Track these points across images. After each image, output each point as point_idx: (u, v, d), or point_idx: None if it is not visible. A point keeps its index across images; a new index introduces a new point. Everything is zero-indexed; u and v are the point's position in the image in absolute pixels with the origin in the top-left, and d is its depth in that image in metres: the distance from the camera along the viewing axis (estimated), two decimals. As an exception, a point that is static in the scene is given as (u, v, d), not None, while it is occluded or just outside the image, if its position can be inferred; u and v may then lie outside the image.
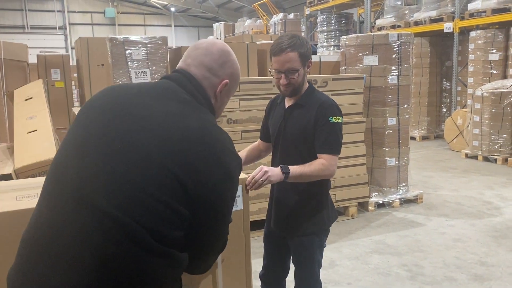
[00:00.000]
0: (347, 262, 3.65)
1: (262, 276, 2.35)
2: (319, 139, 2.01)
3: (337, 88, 4.49)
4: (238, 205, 1.81)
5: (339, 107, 2.10)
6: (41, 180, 1.97)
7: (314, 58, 5.77)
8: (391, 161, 5.05)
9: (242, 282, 1.84)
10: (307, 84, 2.13)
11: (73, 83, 8.68)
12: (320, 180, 2.10)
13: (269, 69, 2.09)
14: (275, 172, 1.91)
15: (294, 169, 1.94)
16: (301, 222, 2.13)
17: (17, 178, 2.81)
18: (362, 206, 4.95)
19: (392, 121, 5.01)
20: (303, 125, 2.06)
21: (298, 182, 2.03)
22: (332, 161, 2.01)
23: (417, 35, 8.38)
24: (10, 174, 3.13)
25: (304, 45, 2.01)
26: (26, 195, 1.57)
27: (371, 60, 4.95)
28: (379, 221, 4.61)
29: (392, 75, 4.95)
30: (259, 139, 2.41)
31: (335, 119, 2.03)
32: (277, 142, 2.19)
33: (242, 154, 2.27)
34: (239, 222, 1.81)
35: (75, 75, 8.75)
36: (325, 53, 10.23)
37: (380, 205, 4.99)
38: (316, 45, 12.67)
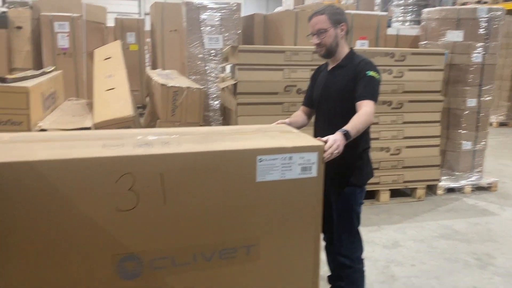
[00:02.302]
0: (411, 243, 3.54)
1: None
2: (359, 89, 2.14)
3: (416, 63, 4.25)
4: (312, 172, 1.78)
5: (377, 67, 2.21)
6: (126, 131, 2.06)
7: (391, 31, 5.50)
8: (467, 145, 4.76)
9: (311, 245, 1.83)
10: (348, 49, 2.27)
11: (145, 47, 8.94)
12: (363, 137, 2.18)
13: (307, 36, 2.28)
14: (339, 137, 1.90)
15: (351, 128, 1.97)
16: (343, 175, 2.24)
17: (98, 131, 2.93)
18: (431, 189, 4.74)
19: (472, 102, 4.69)
20: (344, 83, 2.20)
21: None
22: (373, 106, 2.11)
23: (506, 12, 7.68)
24: (90, 127, 3.31)
25: (335, 11, 2.21)
26: (113, 144, 1.63)
27: (455, 36, 4.61)
28: (447, 206, 4.40)
29: (476, 53, 4.60)
30: (301, 106, 2.52)
31: (372, 73, 2.14)
32: (321, 102, 2.33)
33: (287, 121, 2.32)
34: (312, 190, 1.79)
35: (148, 40, 9.00)
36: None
37: (450, 190, 4.76)
38: (390, 20, 12.06)
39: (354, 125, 1.99)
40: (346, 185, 2.25)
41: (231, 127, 2.79)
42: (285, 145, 1.74)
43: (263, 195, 1.72)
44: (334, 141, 1.84)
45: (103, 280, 1.57)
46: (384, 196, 4.40)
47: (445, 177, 4.78)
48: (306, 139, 1.88)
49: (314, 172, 1.78)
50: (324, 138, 1.85)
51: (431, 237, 3.66)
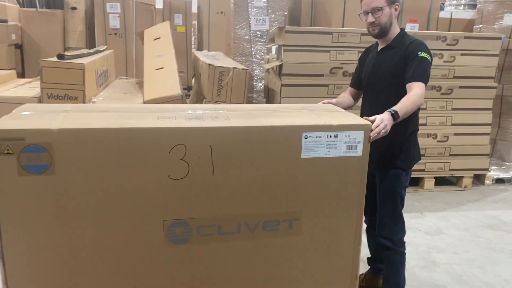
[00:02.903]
0: (455, 232, 3.47)
1: None
2: (409, 71, 2.11)
3: (469, 47, 4.10)
4: (358, 151, 1.79)
5: (428, 48, 2.17)
6: (178, 106, 2.15)
7: (444, 14, 5.30)
8: (520, 134, 4.56)
9: (353, 224, 1.86)
10: (399, 29, 2.25)
11: (192, 29, 9.07)
12: (411, 120, 2.18)
13: (358, 14, 2.26)
14: (387, 117, 1.89)
15: (400, 109, 1.95)
16: (390, 157, 2.24)
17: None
18: (478, 179, 4.60)
19: (527, 90, 4.48)
20: (393, 63, 2.18)
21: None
22: (423, 88, 2.08)
23: None
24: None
25: None
26: (166, 116, 1.72)
27: (512, 19, 4.40)
28: (495, 197, 4.26)
29: (536, 38, 4.37)
30: (349, 87, 2.53)
31: (424, 54, 2.11)
32: (370, 83, 2.31)
33: (333, 101, 2.33)
34: (357, 169, 1.81)
35: (194, 22, 9.12)
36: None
37: (498, 180, 4.60)
38: (444, 3, 11.57)
39: (403, 105, 1.98)
40: (391, 168, 2.25)
41: (276, 105, 2.84)
42: (331, 123, 1.76)
43: (307, 171, 1.75)
44: (382, 120, 1.84)
45: (155, 243, 1.67)
46: (429, 183, 4.32)
47: (494, 167, 4.62)
48: (353, 117, 1.89)
49: (359, 151, 1.79)
50: (372, 118, 1.85)
51: (476, 226, 3.58)
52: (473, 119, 4.27)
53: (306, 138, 1.72)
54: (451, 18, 5.12)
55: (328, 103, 2.27)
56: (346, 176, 1.80)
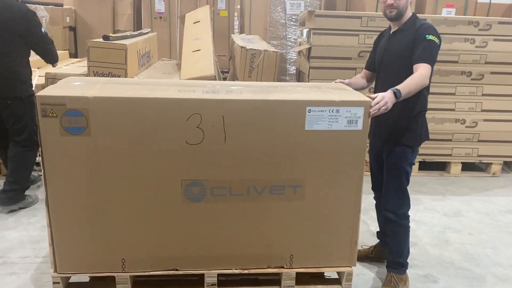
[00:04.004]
0: (474, 215, 3.53)
1: None
2: (416, 52, 2.21)
3: (503, 33, 4.05)
4: (358, 126, 1.96)
5: (437, 31, 2.26)
6: (199, 82, 2.39)
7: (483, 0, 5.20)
8: (555, 123, 4.46)
9: (353, 192, 2.03)
10: (411, 13, 2.34)
11: (235, 14, 9.27)
12: (419, 100, 2.27)
13: None
14: (389, 95, 2.01)
15: (402, 88, 2.06)
16: (397, 135, 2.34)
17: (181, 85, 3.31)
18: (508, 166, 4.56)
19: None
20: (404, 46, 2.28)
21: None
22: (428, 70, 2.17)
23: None
24: (176, 83, 3.72)
25: None
26: (186, 90, 1.96)
27: (553, 4, 4.28)
28: (524, 184, 4.23)
29: None
30: (363, 69, 2.65)
31: (431, 37, 2.21)
32: (381, 65, 2.42)
33: (346, 81, 2.47)
34: (357, 142, 1.98)
35: (238, 6, 9.31)
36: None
37: (530, 169, 4.54)
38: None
39: (406, 85, 2.09)
40: (398, 145, 2.37)
41: (290, 83, 3.03)
42: (333, 98, 1.93)
43: (311, 142, 1.94)
44: (382, 98, 1.98)
45: (174, 200, 1.93)
46: (455, 168, 4.34)
47: (527, 155, 4.55)
48: (355, 95, 2.05)
49: (359, 125, 1.96)
50: (374, 95, 2.00)
51: (497, 211, 3.61)
52: (504, 106, 4.23)
53: (309, 112, 1.90)
54: (490, 3, 5.01)
55: (340, 82, 2.42)
56: (347, 148, 1.98)
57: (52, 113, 1.76)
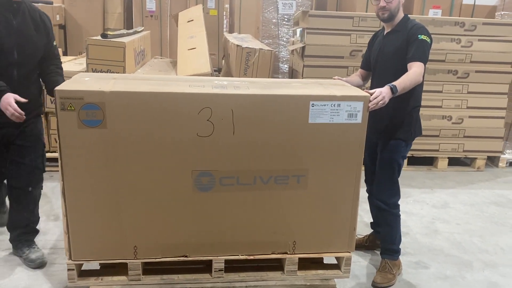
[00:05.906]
0: (460, 206, 3.71)
1: None
2: (410, 51, 2.36)
3: (487, 33, 4.25)
4: (357, 119, 2.09)
5: (428, 31, 2.40)
6: (206, 78, 2.49)
7: (468, 1, 5.40)
8: (536, 119, 4.69)
9: (352, 181, 2.16)
10: (403, 15, 2.49)
11: (224, 13, 9.36)
12: (413, 96, 2.41)
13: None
14: (386, 90, 2.15)
15: (398, 84, 2.21)
16: (392, 129, 2.48)
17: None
18: (492, 161, 4.77)
19: (546, 76, 4.58)
20: (397, 46, 2.43)
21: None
22: (421, 68, 2.32)
23: None
24: (174, 80, 3.81)
25: None
26: (197, 85, 2.06)
27: (534, 6, 4.50)
28: (507, 178, 4.44)
29: (557, 25, 4.45)
30: (359, 69, 2.79)
31: (423, 37, 2.35)
32: (377, 65, 2.56)
33: (343, 79, 2.58)
34: (356, 134, 2.11)
35: (227, 6, 9.40)
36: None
37: (512, 163, 4.76)
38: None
39: (401, 81, 2.24)
40: (393, 138, 2.51)
41: (292, 79, 3.17)
42: (335, 93, 2.06)
43: (313, 135, 2.07)
44: (380, 93, 2.12)
45: (185, 189, 2.03)
46: (442, 163, 4.53)
47: (509, 150, 4.77)
48: (355, 90, 2.19)
49: (359, 119, 2.09)
50: (372, 91, 2.14)
51: (482, 203, 3.80)
52: (489, 103, 4.43)
53: (313, 106, 2.03)
54: (474, 4, 5.22)
55: (338, 79, 2.55)
56: (347, 140, 2.11)
57: (70, 106, 1.85)
